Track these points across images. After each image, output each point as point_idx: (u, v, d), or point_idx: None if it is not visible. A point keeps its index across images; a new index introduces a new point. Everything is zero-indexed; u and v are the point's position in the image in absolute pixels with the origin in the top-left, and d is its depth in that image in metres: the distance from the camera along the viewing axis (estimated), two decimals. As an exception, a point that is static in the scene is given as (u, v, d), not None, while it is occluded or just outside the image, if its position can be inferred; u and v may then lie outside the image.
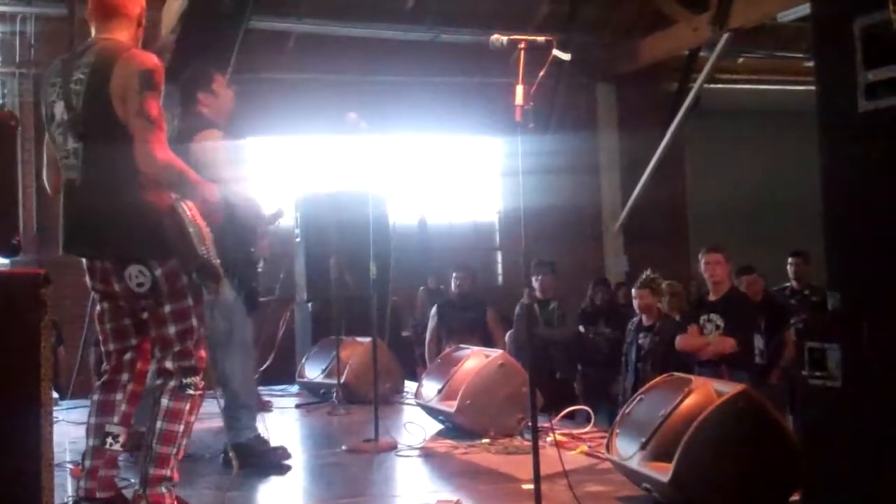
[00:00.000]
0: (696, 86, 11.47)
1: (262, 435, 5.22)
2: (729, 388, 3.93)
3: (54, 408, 7.02)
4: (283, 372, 8.22)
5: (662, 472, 3.79)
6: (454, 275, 8.95)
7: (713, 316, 6.88)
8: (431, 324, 8.87)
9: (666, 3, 11.56)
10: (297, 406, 7.41)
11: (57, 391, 7.92)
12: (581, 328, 8.82)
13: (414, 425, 5.84)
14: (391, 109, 11.70)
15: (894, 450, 2.68)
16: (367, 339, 6.84)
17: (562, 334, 8.55)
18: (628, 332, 7.91)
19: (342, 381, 7.09)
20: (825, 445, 3.01)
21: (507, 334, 9.03)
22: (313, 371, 7.75)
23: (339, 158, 9.49)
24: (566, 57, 4.07)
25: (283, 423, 5.99)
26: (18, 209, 2.82)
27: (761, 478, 3.69)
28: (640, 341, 7.64)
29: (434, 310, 8.97)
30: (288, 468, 5.13)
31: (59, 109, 3.76)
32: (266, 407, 6.92)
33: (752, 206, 12.39)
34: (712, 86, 12.07)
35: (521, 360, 8.82)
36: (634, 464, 4.05)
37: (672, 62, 12.30)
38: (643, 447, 4.02)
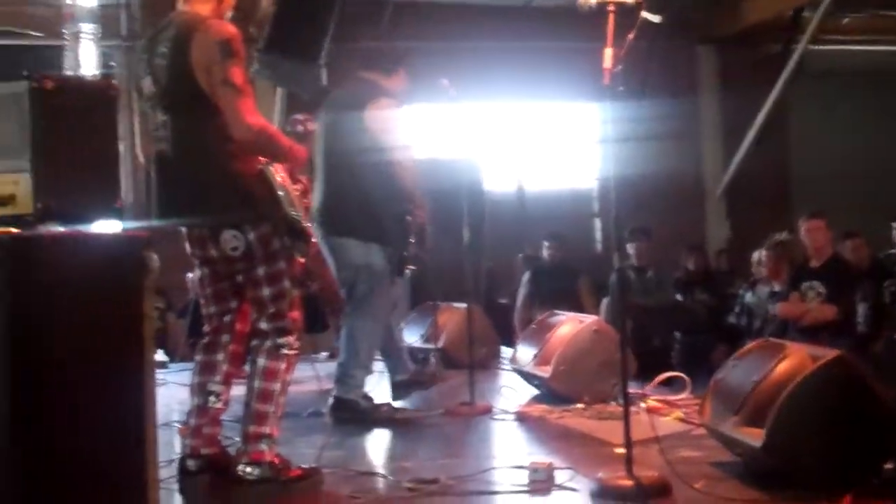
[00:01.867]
0: (799, 47, 11.18)
1: (368, 394, 5.44)
2: (824, 354, 3.88)
3: (163, 370, 7.35)
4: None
5: (754, 438, 3.76)
6: (545, 243, 8.96)
7: (815, 283, 6.81)
8: (523, 291, 8.91)
9: (769, -37, 11.30)
10: (396, 370, 7.52)
11: (166, 354, 8.21)
12: (678, 296, 8.74)
13: (509, 390, 5.90)
14: (488, 76, 11.69)
15: None
16: (464, 305, 6.89)
17: (657, 301, 8.50)
18: (752, 300, 7.76)
19: (439, 346, 7.18)
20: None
21: (604, 301, 9.01)
22: (411, 336, 7.85)
23: (435, 126, 9.55)
24: (656, 19, 4.05)
25: (381, 386, 6.10)
26: (119, 174, 2.94)
27: (854, 445, 3.63)
28: (770, 307, 7.50)
29: (526, 277, 9.00)
30: (394, 422, 5.36)
31: (147, 84, 3.88)
32: (366, 372, 7.05)
33: (859, 172, 12.04)
34: (817, 47, 11.73)
35: (618, 326, 8.84)
36: (727, 429, 4.03)
37: (775, 23, 11.96)
38: (736, 412, 3.99)
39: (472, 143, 7.22)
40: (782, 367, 3.94)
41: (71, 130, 2.68)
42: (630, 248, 8.81)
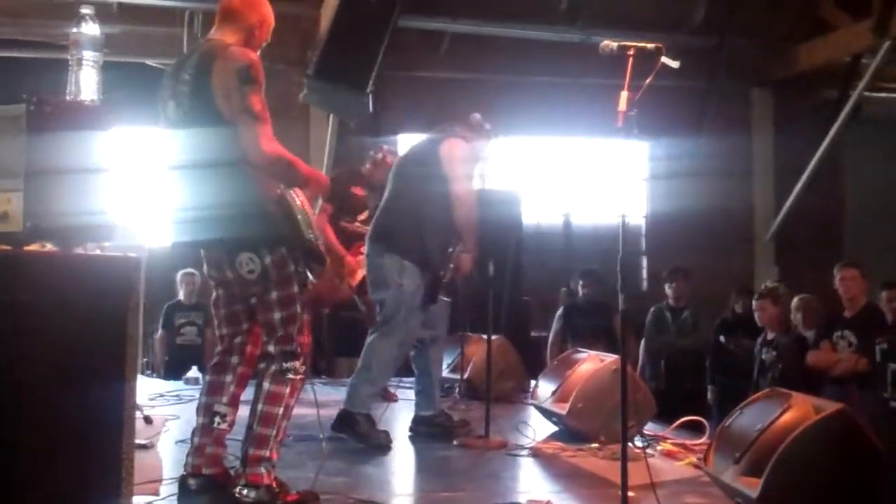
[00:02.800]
0: (855, 93, 11.05)
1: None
2: (827, 406, 3.84)
3: (197, 386, 7.45)
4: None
5: (752, 488, 3.73)
6: (580, 281, 8.93)
7: (846, 333, 6.73)
8: (556, 326, 8.89)
9: (826, 9, 11.21)
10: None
11: (200, 371, 8.32)
12: (721, 338, 8.67)
13: (526, 425, 5.90)
14: (541, 110, 11.77)
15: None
16: (494, 337, 6.89)
17: (693, 343, 8.43)
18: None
19: (465, 376, 7.20)
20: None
21: (643, 342, 8.96)
22: (439, 365, 7.87)
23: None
24: (675, 64, 4.08)
25: (403, 413, 6.14)
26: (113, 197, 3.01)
27: (851, 500, 3.60)
28: (763, 356, 7.47)
29: (560, 312, 8.99)
30: (387, 450, 5.42)
31: (171, 108, 3.96)
32: (391, 398, 7.09)
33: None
34: (874, 94, 11.61)
35: (655, 366, 8.79)
36: (727, 478, 4.00)
37: (832, 68, 11.85)
38: (737, 461, 3.97)
39: (515, 177, 7.23)
40: (785, 418, 3.92)
41: (66, 153, 2.77)
42: (668, 288, 8.77)
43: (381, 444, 5.45)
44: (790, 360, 7.08)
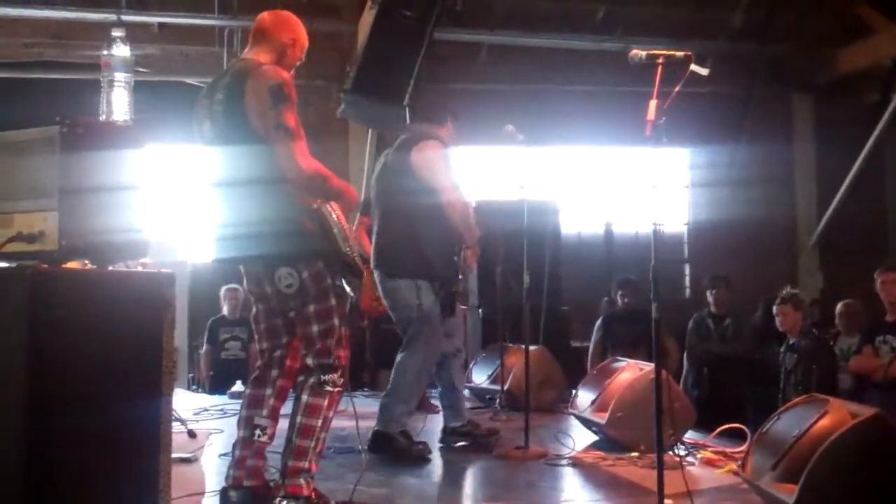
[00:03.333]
0: (896, 96, 10.98)
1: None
2: (864, 412, 3.83)
3: (240, 400, 7.54)
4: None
5: (788, 494, 3.73)
6: (619, 290, 8.91)
7: (889, 337, 6.66)
8: (596, 335, 8.87)
9: (865, 12, 11.12)
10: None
11: (245, 385, 8.38)
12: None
13: (566, 435, 5.91)
14: (579, 119, 11.78)
15: None
16: (533, 347, 6.90)
17: (734, 351, 8.39)
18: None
19: (506, 387, 7.20)
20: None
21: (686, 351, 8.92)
22: (479, 376, 7.90)
23: (514, 168, 9.64)
24: (704, 72, 4.10)
25: (431, 426, 6.17)
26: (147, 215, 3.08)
27: (888, 506, 3.59)
28: (787, 361, 7.43)
29: (600, 321, 8.97)
30: (427, 461, 5.43)
31: (207, 127, 4.04)
32: (432, 409, 7.12)
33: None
34: (915, 97, 11.49)
35: (698, 374, 8.75)
36: (764, 484, 4.00)
37: (873, 72, 11.78)
38: (774, 467, 3.97)
39: (554, 187, 7.23)
40: (822, 424, 3.91)
41: (99, 172, 2.84)
42: (709, 296, 8.74)
43: (420, 457, 5.48)
44: (811, 362, 7.05)
